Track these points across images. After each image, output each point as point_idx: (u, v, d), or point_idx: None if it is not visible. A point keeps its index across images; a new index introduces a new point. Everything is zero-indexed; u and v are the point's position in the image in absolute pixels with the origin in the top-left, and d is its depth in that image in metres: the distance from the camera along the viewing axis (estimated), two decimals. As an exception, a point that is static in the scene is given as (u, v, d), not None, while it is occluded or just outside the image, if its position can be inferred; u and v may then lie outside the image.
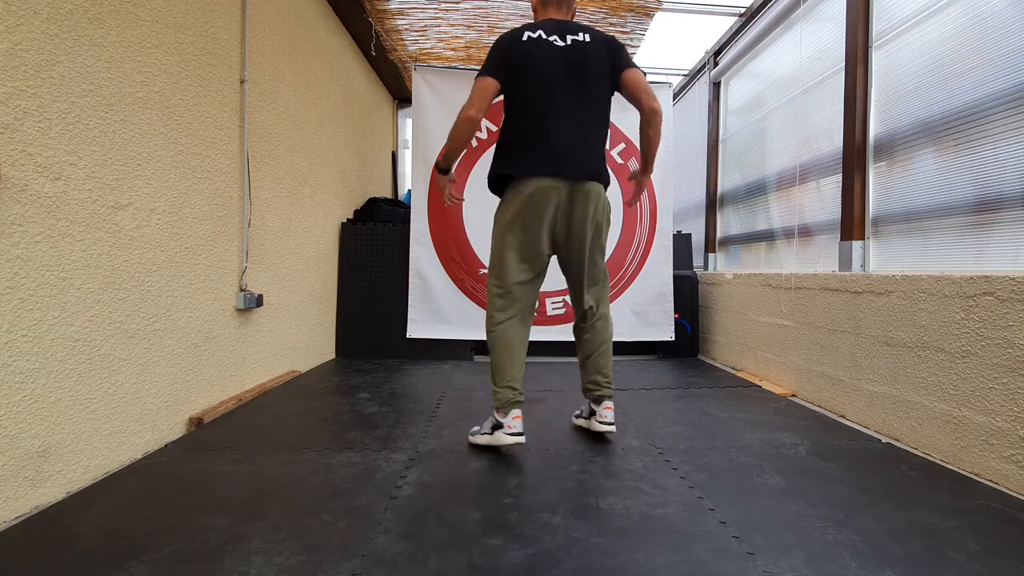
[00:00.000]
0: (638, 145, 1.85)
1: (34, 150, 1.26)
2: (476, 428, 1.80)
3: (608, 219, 1.82)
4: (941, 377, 1.72)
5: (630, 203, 2.03)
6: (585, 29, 1.74)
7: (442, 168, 1.87)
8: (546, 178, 1.66)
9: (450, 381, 2.74)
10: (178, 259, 1.80)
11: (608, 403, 1.86)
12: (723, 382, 2.83)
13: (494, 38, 3.49)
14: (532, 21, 1.82)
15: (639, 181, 1.94)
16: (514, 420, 1.68)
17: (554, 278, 3.46)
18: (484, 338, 3.33)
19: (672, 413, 2.19)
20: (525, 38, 1.70)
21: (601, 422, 1.83)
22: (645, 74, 1.76)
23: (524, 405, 1.75)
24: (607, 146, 1.82)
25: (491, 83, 1.68)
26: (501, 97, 1.75)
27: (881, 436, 1.93)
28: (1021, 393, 1.46)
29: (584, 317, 1.89)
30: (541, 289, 3.48)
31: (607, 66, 1.72)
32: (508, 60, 1.69)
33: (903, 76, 2.17)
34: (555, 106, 1.67)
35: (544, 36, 1.70)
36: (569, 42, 1.69)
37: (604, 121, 1.78)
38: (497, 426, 1.69)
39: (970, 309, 1.62)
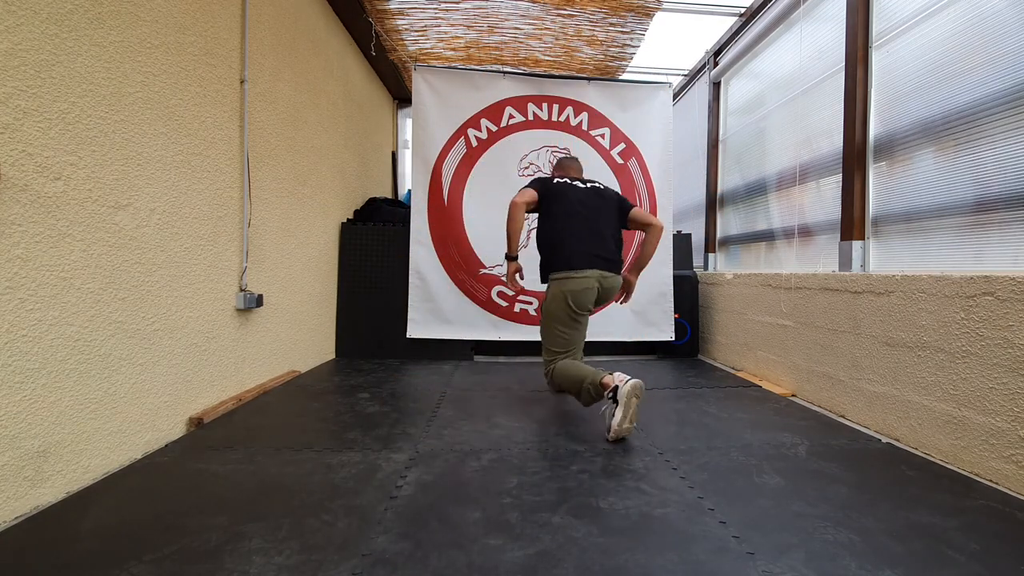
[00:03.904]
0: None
1: (34, 150, 1.26)
2: (609, 426, 1.82)
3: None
4: (941, 377, 1.72)
5: (620, 303, 2.48)
6: (598, 183, 2.38)
7: (511, 257, 2.30)
8: (587, 271, 2.16)
9: (450, 381, 2.74)
10: (178, 259, 1.80)
11: (607, 376, 1.91)
12: (723, 382, 2.83)
13: (494, 38, 3.50)
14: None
15: (629, 283, 2.40)
16: (620, 375, 1.87)
17: (554, 278, 3.49)
18: (485, 337, 3.39)
19: (672, 413, 2.19)
20: (556, 182, 2.30)
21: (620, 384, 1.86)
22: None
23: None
24: (622, 251, 2.35)
25: (533, 192, 2.27)
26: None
27: (881, 436, 1.93)
28: (1021, 393, 1.46)
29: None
30: (542, 290, 3.55)
31: (615, 204, 2.33)
32: (545, 189, 2.28)
33: (903, 76, 2.17)
34: (580, 223, 2.20)
35: (569, 182, 2.31)
36: (588, 187, 2.32)
37: (619, 233, 2.32)
38: (614, 391, 1.82)
39: (970, 309, 1.62)
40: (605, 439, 1.83)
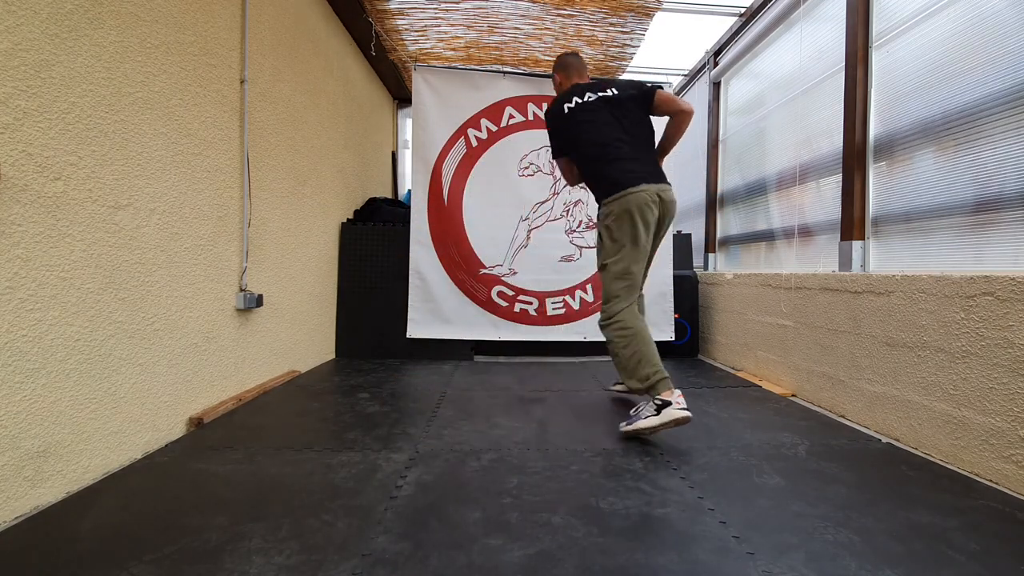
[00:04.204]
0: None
1: (34, 150, 1.26)
2: (630, 418, 1.82)
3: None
4: (941, 377, 1.72)
5: None
6: (611, 84, 2.09)
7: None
8: (641, 184, 1.94)
9: (450, 381, 2.74)
10: (178, 259, 1.80)
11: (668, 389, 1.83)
12: (723, 382, 2.83)
13: (494, 38, 3.50)
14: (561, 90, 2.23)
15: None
16: (679, 397, 1.79)
17: (552, 280, 3.50)
18: (485, 337, 3.39)
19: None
20: (567, 111, 2.07)
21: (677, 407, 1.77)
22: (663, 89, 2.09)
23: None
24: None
25: (564, 160, 2.16)
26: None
27: (881, 436, 1.93)
28: (1021, 393, 1.46)
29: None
30: (541, 289, 3.52)
31: (635, 99, 2.05)
32: (565, 135, 2.11)
33: (903, 76, 2.17)
34: (625, 139, 2.00)
35: (580, 101, 2.06)
36: (600, 96, 2.05)
37: (653, 138, 2.11)
38: (664, 405, 1.76)
39: (970, 309, 1.62)
40: (618, 431, 1.83)
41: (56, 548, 1.10)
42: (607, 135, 2.00)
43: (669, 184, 2.01)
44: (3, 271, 1.20)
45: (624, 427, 1.84)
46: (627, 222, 1.94)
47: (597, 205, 2.09)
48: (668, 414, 1.73)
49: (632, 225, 1.93)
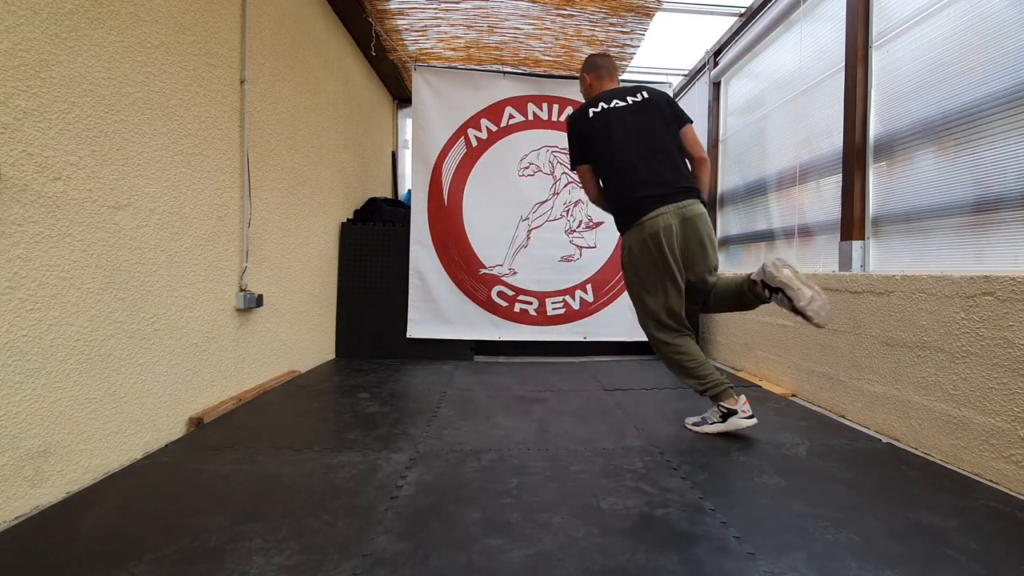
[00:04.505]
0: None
1: (34, 150, 1.26)
2: (697, 419, 1.95)
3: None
4: (941, 377, 1.72)
5: None
6: (640, 89, 2.00)
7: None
8: (659, 208, 1.85)
9: (450, 381, 2.74)
10: (178, 259, 1.80)
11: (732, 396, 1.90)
12: (723, 382, 2.83)
13: (494, 38, 3.49)
14: (589, 97, 2.11)
15: None
16: (745, 404, 1.86)
17: (552, 280, 3.50)
18: (485, 337, 3.39)
19: (672, 413, 2.19)
20: (592, 115, 1.97)
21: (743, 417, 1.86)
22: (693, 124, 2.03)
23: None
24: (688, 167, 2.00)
25: (584, 169, 2.03)
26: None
27: (881, 436, 1.93)
28: (1021, 393, 1.46)
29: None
30: (541, 289, 3.49)
31: (670, 116, 1.97)
32: (585, 141, 1.99)
33: (903, 76, 2.17)
34: (647, 153, 1.90)
35: (607, 106, 1.96)
36: (630, 102, 1.96)
37: (679, 147, 1.97)
38: (730, 413, 1.85)
39: (970, 309, 1.62)
40: (604, 439, 1.83)
41: (56, 548, 1.10)
42: (628, 148, 1.90)
43: (693, 197, 1.88)
44: (3, 271, 1.20)
45: (690, 423, 1.97)
46: (644, 253, 1.88)
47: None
48: (733, 423, 1.86)
49: (648, 257, 1.88)
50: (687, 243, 1.88)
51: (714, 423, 1.90)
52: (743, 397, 1.90)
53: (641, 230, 1.87)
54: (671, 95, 3.62)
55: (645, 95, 1.97)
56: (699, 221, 1.88)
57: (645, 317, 1.99)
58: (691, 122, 2.00)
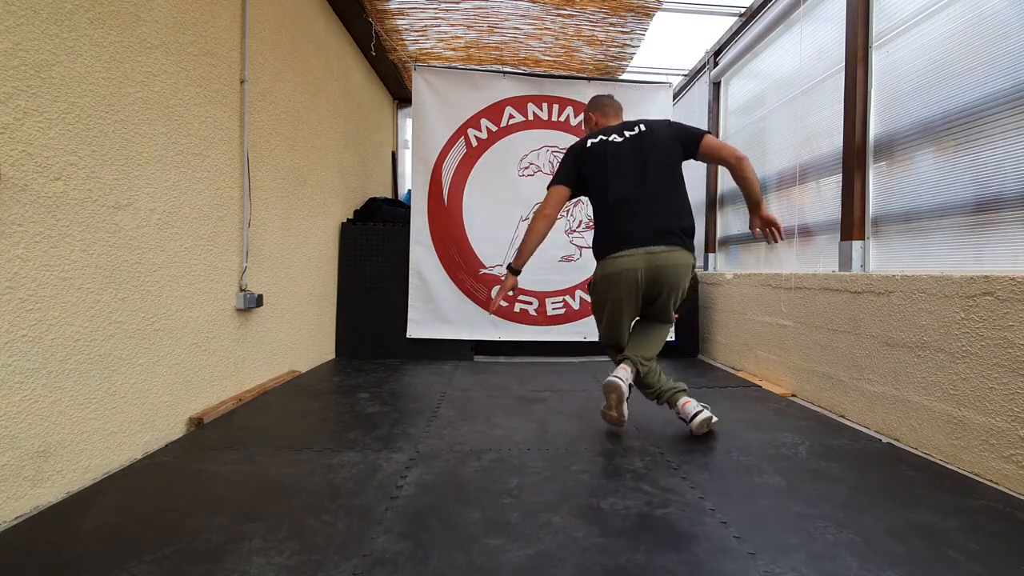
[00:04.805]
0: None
1: (34, 150, 1.26)
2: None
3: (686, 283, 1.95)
4: (941, 377, 1.72)
5: (770, 241, 2.04)
6: (639, 122, 1.97)
7: (516, 270, 2.01)
8: (630, 249, 1.85)
9: (450, 381, 2.74)
10: (178, 259, 1.80)
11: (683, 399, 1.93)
12: (723, 382, 2.83)
13: (494, 38, 3.50)
14: (593, 129, 2.11)
15: (757, 218, 2.00)
16: (691, 405, 1.90)
17: (552, 280, 3.50)
18: (485, 337, 3.39)
19: (672, 413, 2.19)
20: (590, 145, 1.97)
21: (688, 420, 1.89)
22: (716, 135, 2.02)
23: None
24: (688, 205, 1.96)
25: (562, 190, 1.98)
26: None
27: (881, 436, 1.93)
28: (1021, 393, 1.46)
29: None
30: (541, 289, 3.49)
31: (671, 142, 1.92)
32: (576, 166, 1.98)
33: (903, 76, 2.17)
34: (631, 191, 1.87)
35: (605, 139, 1.96)
36: (627, 136, 1.94)
37: (681, 185, 1.95)
38: (692, 417, 1.88)
39: (970, 309, 1.62)
40: (605, 439, 1.83)
41: (56, 548, 1.10)
42: (619, 182, 1.88)
43: (674, 244, 1.83)
44: (3, 271, 1.20)
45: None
46: (603, 287, 1.93)
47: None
48: (697, 425, 1.87)
49: (605, 292, 1.92)
50: (650, 288, 1.87)
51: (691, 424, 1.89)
52: (690, 400, 1.92)
53: (604, 266, 1.91)
54: (671, 96, 3.64)
55: (642, 128, 1.94)
56: (670, 272, 1.84)
57: (600, 333, 2.11)
58: (706, 133, 1.95)
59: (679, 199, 1.93)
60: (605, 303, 1.95)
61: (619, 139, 1.94)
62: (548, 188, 2.00)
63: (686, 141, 1.93)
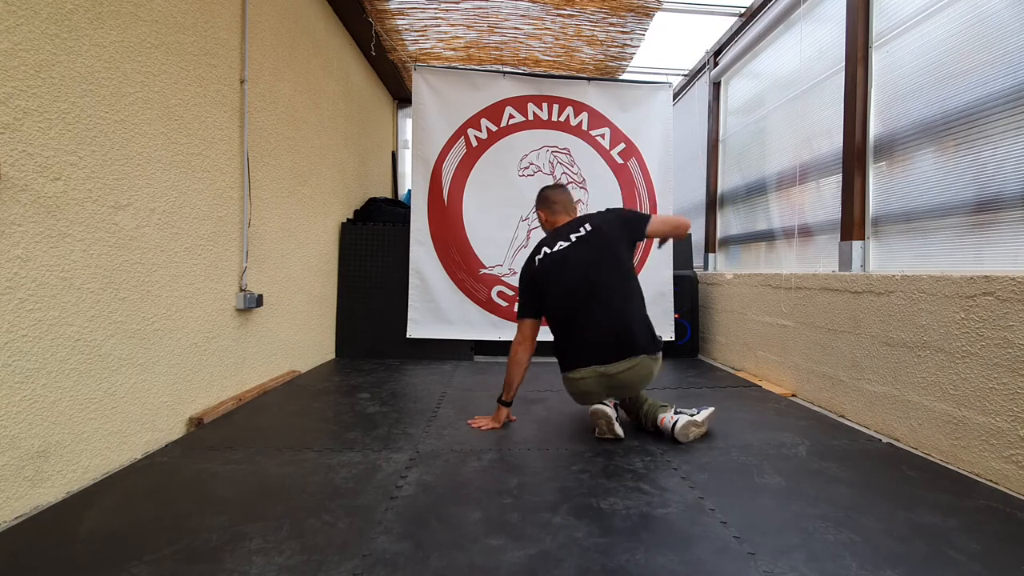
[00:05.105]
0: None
1: (34, 150, 1.26)
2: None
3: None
4: (941, 377, 1.72)
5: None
6: (585, 220, 1.97)
7: (507, 403, 2.01)
8: (584, 369, 1.85)
9: (450, 381, 2.74)
10: (178, 259, 1.80)
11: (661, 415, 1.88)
12: (723, 382, 2.83)
13: (494, 38, 3.50)
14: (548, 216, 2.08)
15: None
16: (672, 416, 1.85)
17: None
18: (485, 337, 3.40)
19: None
20: (538, 263, 1.95)
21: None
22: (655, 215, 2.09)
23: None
24: (641, 292, 1.96)
25: (532, 323, 1.96)
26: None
27: (881, 436, 1.93)
28: (1021, 393, 1.46)
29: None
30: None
31: (619, 236, 1.93)
32: (535, 289, 1.95)
33: (903, 76, 2.17)
34: (581, 301, 1.86)
35: (550, 251, 1.94)
36: (573, 240, 1.92)
37: (631, 278, 1.94)
38: (673, 425, 1.84)
39: (970, 309, 1.62)
40: (604, 438, 1.83)
41: (56, 548, 1.10)
42: (568, 297, 1.87)
43: (639, 354, 1.81)
44: (3, 271, 1.20)
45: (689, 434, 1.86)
46: (576, 396, 1.95)
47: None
48: (680, 431, 1.81)
49: (573, 392, 1.94)
50: (618, 392, 1.90)
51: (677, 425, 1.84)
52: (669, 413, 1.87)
53: (567, 380, 1.92)
54: (671, 96, 3.64)
55: (587, 227, 1.92)
56: (634, 381, 1.84)
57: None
58: (649, 217, 1.97)
59: (633, 294, 1.91)
60: (574, 394, 1.96)
61: (564, 245, 1.92)
62: (519, 320, 1.98)
63: (633, 229, 1.95)
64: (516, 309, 2.02)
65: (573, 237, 1.93)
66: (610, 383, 1.84)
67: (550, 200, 2.07)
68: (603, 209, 2.07)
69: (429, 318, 3.41)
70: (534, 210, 2.17)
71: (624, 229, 1.95)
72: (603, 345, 1.83)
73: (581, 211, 3.60)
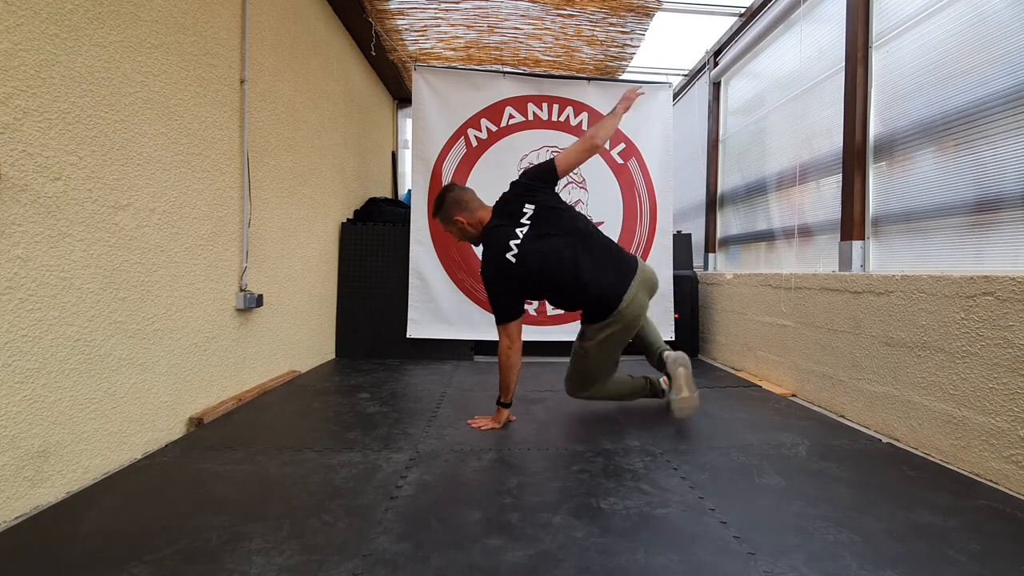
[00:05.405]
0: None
1: (34, 150, 1.26)
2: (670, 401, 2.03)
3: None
4: (941, 377, 1.72)
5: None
6: (514, 200, 1.98)
7: (506, 404, 2.02)
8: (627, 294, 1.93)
9: (450, 381, 2.74)
10: (178, 259, 1.80)
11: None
12: (723, 382, 2.83)
13: (494, 38, 3.49)
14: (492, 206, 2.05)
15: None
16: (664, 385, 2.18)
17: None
18: (485, 337, 3.40)
19: (671, 416, 2.19)
20: (515, 259, 1.87)
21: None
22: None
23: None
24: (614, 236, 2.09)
25: (516, 325, 1.92)
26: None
27: (881, 436, 1.93)
28: (1021, 393, 1.46)
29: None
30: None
31: (549, 194, 1.99)
32: (517, 285, 1.90)
33: (903, 76, 2.17)
34: (580, 260, 1.90)
35: (519, 241, 1.89)
36: (526, 222, 1.92)
37: (588, 220, 2.06)
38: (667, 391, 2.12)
39: (970, 309, 1.62)
40: (605, 439, 1.83)
41: (56, 548, 1.10)
42: (565, 262, 1.88)
43: (635, 272, 1.96)
44: (3, 271, 1.20)
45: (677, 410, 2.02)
46: (623, 335, 1.98)
47: (584, 322, 2.03)
48: (675, 408, 2.01)
49: (625, 335, 1.99)
50: (645, 305, 2.02)
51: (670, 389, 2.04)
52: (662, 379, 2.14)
53: (618, 317, 1.92)
54: (671, 96, 3.64)
55: (528, 204, 1.94)
56: (646, 274, 2.01)
57: (590, 383, 2.10)
58: (551, 161, 1.99)
59: (597, 232, 2.03)
60: (616, 350, 2.03)
61: (524, 229, 1.90)
62: (501, 326, 1.90)
63: (549, 180, 1.99)
64: (495, 315, 1.92)
65: (524, 221, 1.92)
66: (646, 286, 1.98)
67: (463, 201, 1.98)
68: (507, 188, 2.04)
69: (429, 318, 3.41)
70: (443, 226, 2.05)
71: (548, 187, 2.00)
72: (620, 273, 1.94)
73: (581, 211, 3.64)
